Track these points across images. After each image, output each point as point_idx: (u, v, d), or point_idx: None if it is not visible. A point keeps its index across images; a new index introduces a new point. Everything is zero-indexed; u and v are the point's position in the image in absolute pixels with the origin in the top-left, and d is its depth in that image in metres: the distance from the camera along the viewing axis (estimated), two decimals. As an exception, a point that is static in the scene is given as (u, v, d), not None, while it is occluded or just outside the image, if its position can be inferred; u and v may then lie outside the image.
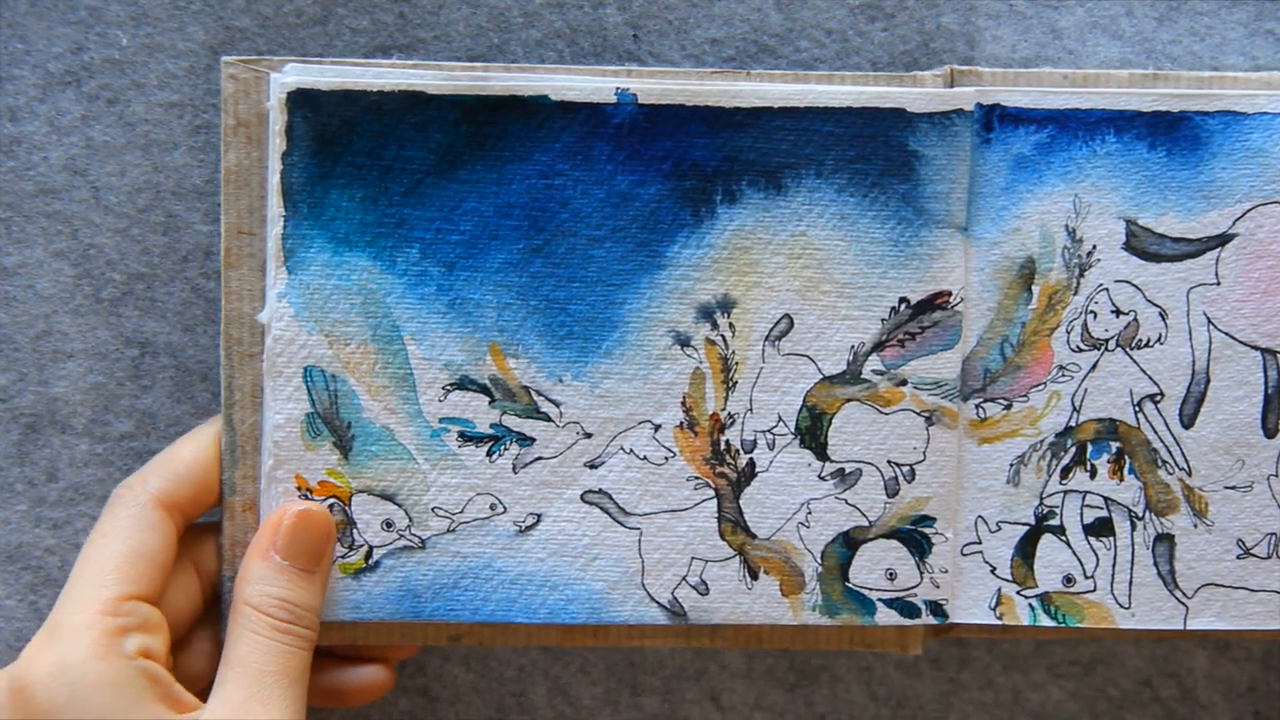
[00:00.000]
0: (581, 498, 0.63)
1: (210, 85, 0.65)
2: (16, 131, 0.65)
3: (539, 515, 0.63)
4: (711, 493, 0.63)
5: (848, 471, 0.63)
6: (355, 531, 0.62)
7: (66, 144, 0.65)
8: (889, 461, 0.63)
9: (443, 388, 0.62)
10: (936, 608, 0.64)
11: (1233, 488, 0.64)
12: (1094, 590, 0.65)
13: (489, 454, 0.63)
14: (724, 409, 0.63)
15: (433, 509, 0.63)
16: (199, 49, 0.65)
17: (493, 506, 0.63)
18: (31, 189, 0.65)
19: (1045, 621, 0.65)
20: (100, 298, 0.66)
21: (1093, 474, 0.64)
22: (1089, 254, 0.63)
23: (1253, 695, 0.70)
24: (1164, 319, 0.63)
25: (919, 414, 0.63)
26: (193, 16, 0.65)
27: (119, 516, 0.60)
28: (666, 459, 0.63)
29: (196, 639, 0.63)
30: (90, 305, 0.66)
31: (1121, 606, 0.65)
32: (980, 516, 0.64)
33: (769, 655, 0.69)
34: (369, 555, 0.63)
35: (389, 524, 0.63)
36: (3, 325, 0.66)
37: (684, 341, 0.62)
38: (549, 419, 0.63)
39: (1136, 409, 0.64)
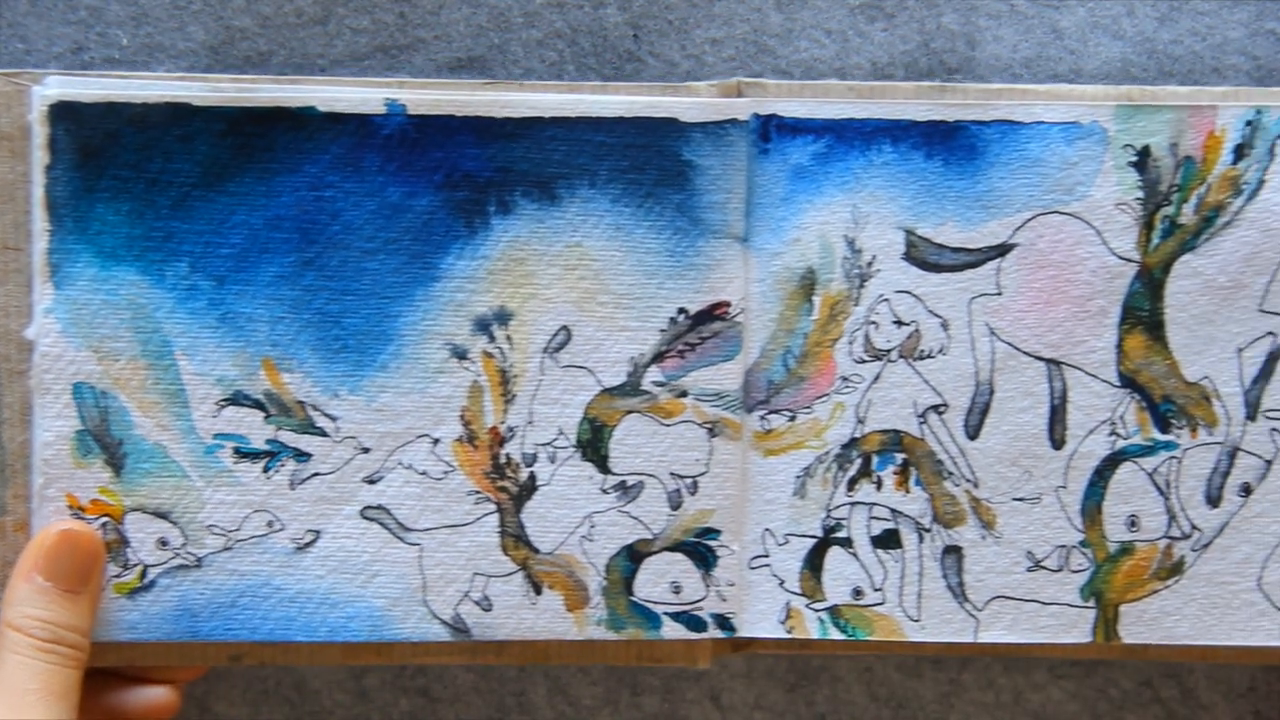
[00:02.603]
0: (360, 514, 0.62)
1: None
2: (16, 132, 0.65)
3: (317, 532, 0.62)
4: (493, 507, 0.63)
5: (629, 484, 0.63)
6: (129, 550, 0.61)
7: (67, 144, 0.65)
8: (671, 473, 0.63)
9: (216, 403, 0.61)
10: (724, 621, 0.64)
11: (1020, 499, 0.64)
12: (883, 603, 0.64)
13: (265, 470, 0.62)
14: (503, 422, 0.62)
15: (208, 527, 0.62)
16: (199, 49, 0.65)
17: (270, 524, 0.62)
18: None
19: (835, 635, 0.64)
20: None
21: (879, 485, 0.64)
22: (869, 264, 0.63)
23: (1253, 695, 0.70)
24: (946, 329, 0.63)
25: (700, 425, 0.63)
26: (193, 16, 0.65)
27: None
28: (446, 473, 0.62)
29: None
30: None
31: (911, 619, 0.64)
32: (767, 529, 0.64)
33: (769, 654, 0.69)
34: (144, 574, 0.62)
35: (164, 542, 0.62)
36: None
37: (461, 354, 0.62)
38: (325, 434, 0.62)
39: (921, 420, 0.64)
